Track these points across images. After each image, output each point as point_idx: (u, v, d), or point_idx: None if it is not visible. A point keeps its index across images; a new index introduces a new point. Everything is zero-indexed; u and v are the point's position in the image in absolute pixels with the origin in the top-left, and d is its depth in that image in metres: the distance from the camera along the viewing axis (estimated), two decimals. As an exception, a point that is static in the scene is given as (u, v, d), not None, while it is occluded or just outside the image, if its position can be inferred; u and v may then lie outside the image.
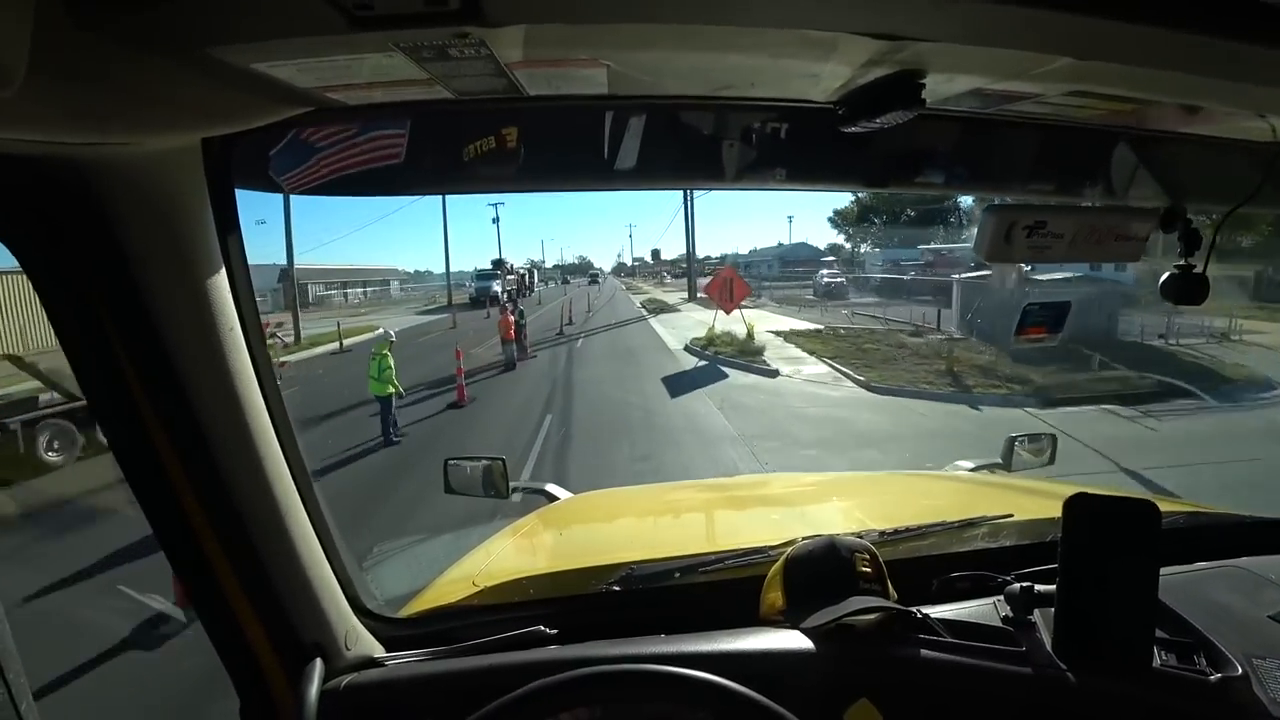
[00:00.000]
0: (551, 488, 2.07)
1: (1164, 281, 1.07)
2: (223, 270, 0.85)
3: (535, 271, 51.77)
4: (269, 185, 0.90)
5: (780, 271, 50.54)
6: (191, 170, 0.79)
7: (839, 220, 49.36)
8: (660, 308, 27.51)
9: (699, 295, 25.39)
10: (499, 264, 40.51)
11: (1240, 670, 0.92)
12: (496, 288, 34.09)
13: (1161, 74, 0.67)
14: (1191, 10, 0.54)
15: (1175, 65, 0.65)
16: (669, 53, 0.64)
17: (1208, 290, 1.05)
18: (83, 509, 5.75)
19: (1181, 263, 1.06)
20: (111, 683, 2.96)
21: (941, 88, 0.70)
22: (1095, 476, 5.80)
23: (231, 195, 0.85)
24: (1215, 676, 0.91)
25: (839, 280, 31.04)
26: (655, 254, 65.73)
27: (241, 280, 0.89)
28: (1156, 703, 0.90)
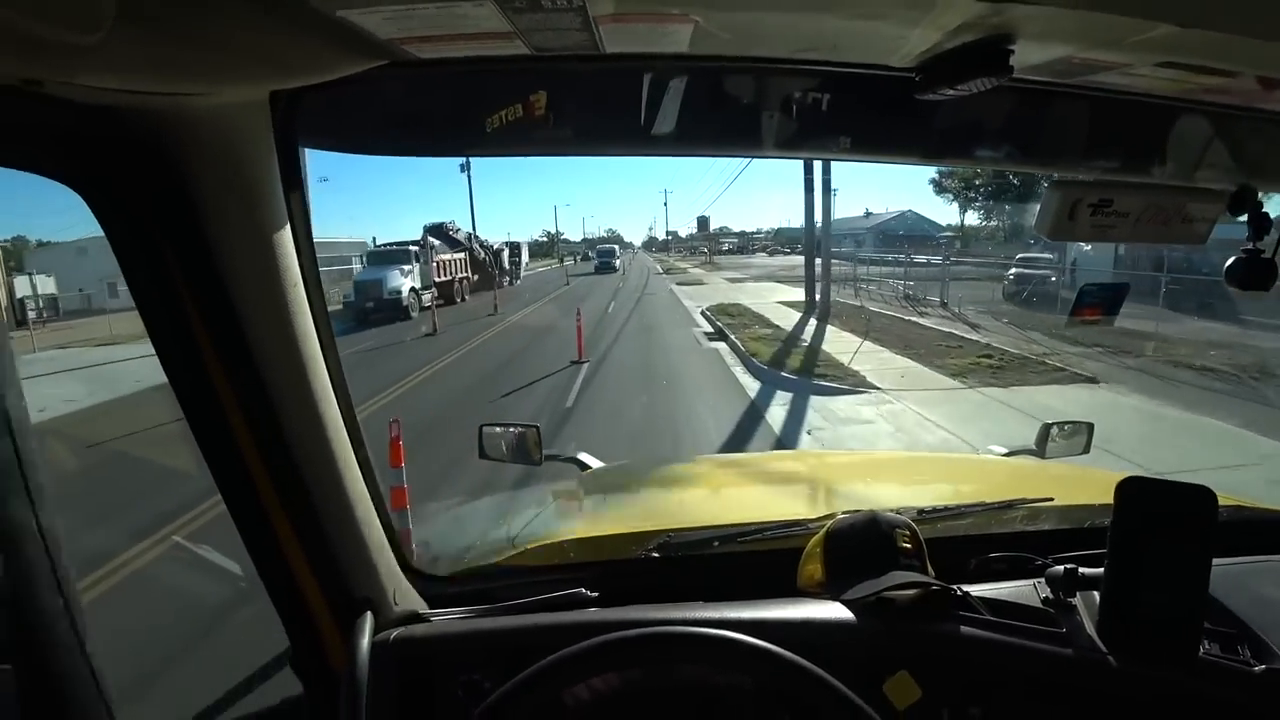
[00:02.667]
0: (584, 456, 2.09)
1: (1230, 265, 1.04)
2: (288, 226, 0.86)
3: (519, 248, 34.79)
4: (333, 144, 0.90)
5: (875, 250, 34.92)
6: (259, 124, 0.79)
7: (953, 186, 36.16)
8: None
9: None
10: (436, 233, 24.51)
11: None
12: (401, 283, 19.16)
13: (1261, 45, 0.64)
14: None
15: (1275, 34, 0.62)
16: (759, 10, 0.62)
17: (1275, 276, 1.02)
18: (148, 460, 5.83)
19: (1250, 246, 1.03)
20: (168, 630, 3.08)
21: (1030, 55, 0.68)
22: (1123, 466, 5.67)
23: (296, 151, 0.86)
24: (1260, 668, 0.91)
25: (1048, 277, 17.12)
26: (703, 222, 59.53)
27: (303, 237, 0.89)
28: (1200, 691, 0.90)
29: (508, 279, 30.17)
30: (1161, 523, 0.93)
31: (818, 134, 0.93)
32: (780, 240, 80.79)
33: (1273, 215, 1.03)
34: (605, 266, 44.36)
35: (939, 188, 39.34)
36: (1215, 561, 1.00)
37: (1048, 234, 0.99)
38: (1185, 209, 1.03)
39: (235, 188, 0.80)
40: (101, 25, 0.50)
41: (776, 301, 19.19)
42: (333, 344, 0.97)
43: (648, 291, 27.34)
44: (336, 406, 0.97)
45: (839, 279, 20.42)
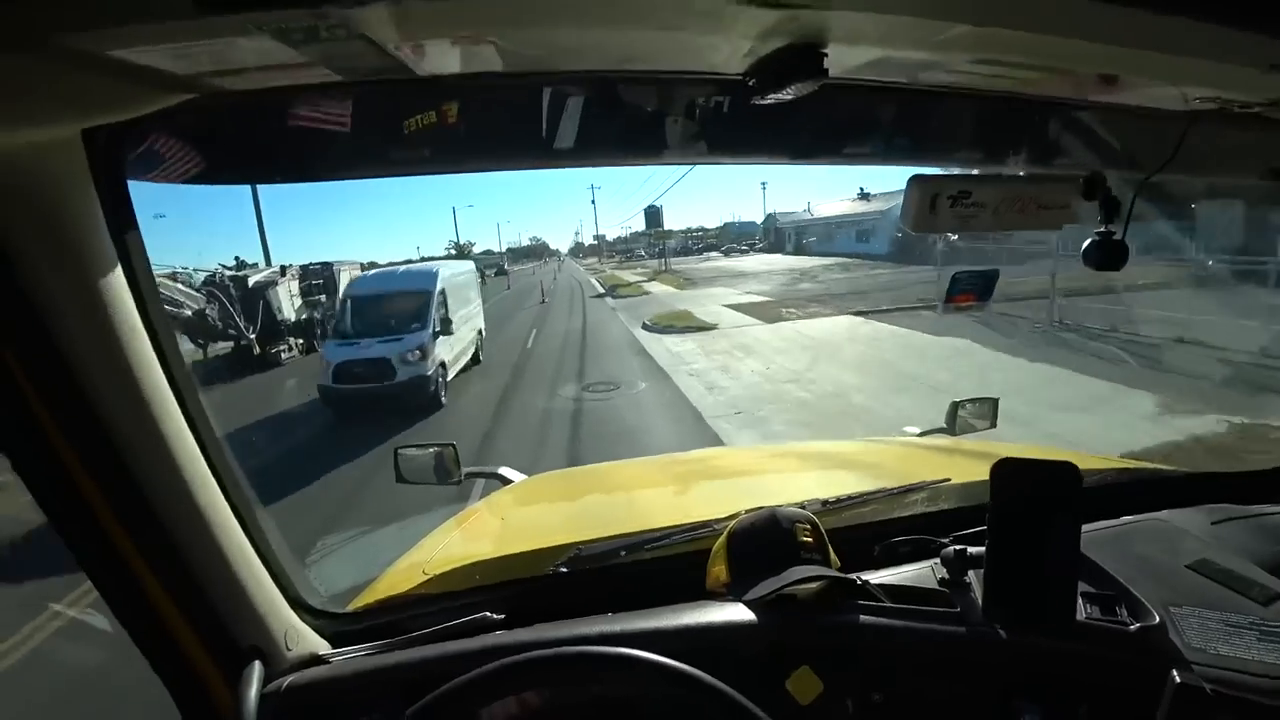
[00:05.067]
0: (505, 470, 2.06)
1: (1086, 248, 1.09)
2: (118, 269, 0.80)
3: (334, 277, 17.00)
4: (164, 176, 0.85)
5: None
6: (74, 163, 0.74)
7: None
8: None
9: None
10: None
11: (1158, 619, 0.96)
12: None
13: (1065, 42, 0.67)
14: None
15: (1077, 33, 0.65)
16: (554, 28, 0.61)
17: (1127, 256, 1.07)
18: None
19: (1102, 229, 1.08)
20: (42, 701, 2.81)
21: (845, 57, 0.69)
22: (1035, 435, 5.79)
23: (124, 189, 0.81)
24: (1135, 626, 0.96)
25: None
26: (654, 216, 42.89)
27: (143, 278, 0.84)
28: (1080, 654, 0.94)
29: (285, 346, 15.46)
30: (1032, 499, 0.97)
31: (677, 141, 0.93)
32: (729, 237, 75.07)
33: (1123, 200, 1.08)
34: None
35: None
36: (1094, 525, 1.04)
37: (911, 227, 1.02)
38: (1041, 197, 1.07)
39: (52, 232, 0.74)
40: None
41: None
42: (190, 383, 0.91)
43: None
44: (198, 451, 0.92)
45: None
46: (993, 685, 0.96)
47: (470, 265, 14.43)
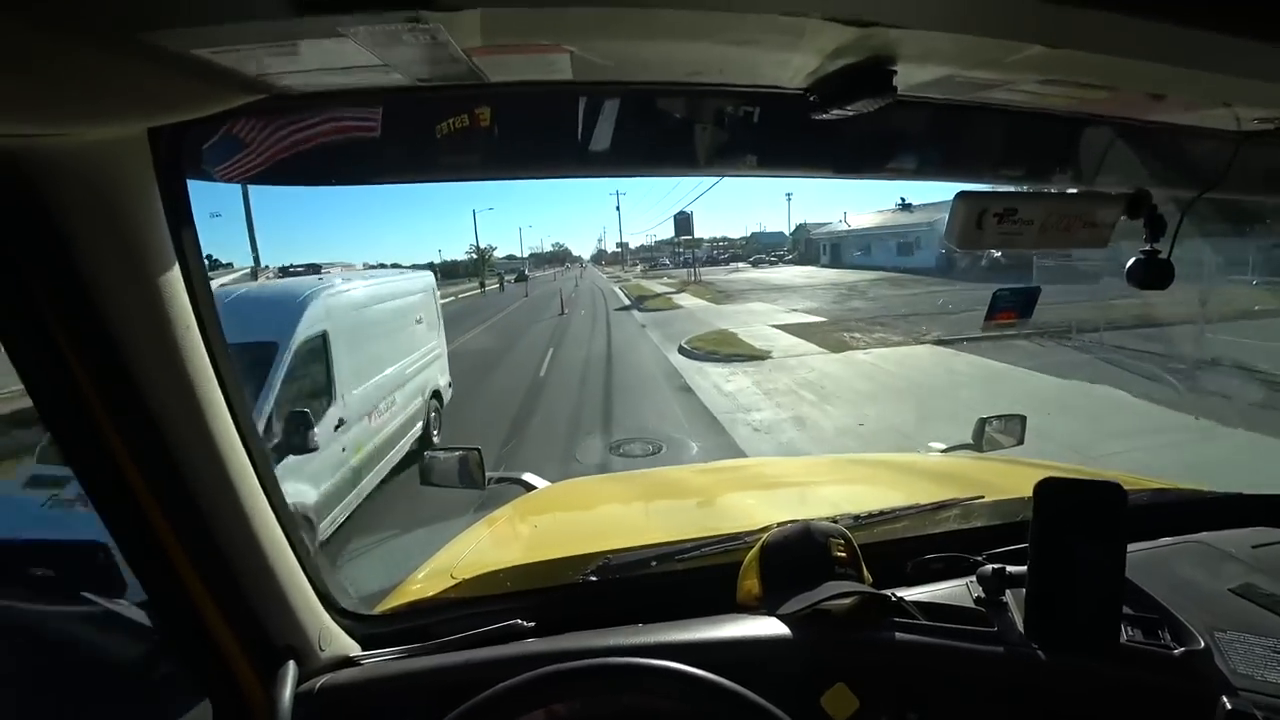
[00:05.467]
0: (529, 477, 2.06)
1: (1130, 267, 1.08)
2: (176, 266, 0.81)
3: None
4: (223, 176, 0.86)
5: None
6: (139, 161, 0.75)
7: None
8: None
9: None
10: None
11: (1202, 644, 0.95)
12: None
13: (1131, 63, 0.67)
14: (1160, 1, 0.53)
15: (1144, 54, 0.65)
16: (633, 40, 0.62)
17: (1172, 276, 1.07)
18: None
19: (1147, 248, 1.07)
20: (75, 691, 2.79)
21: (913, 75, 0.69)
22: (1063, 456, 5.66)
23: (183, 187, 0.81)
24: (1179, 650, 0.94)
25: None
26: (683, 223, 40.50)
27: (197, 276, 0.85)
28: (1123, 678, 0.93)
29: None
30: (1076, 519, 0.96)
31: (728, 152, 0.93)
32: (756, 247, 73.17)
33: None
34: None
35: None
36: (1134, 546, 1.03)
37: (957, 243, 1.01)
38: (1086, 215, 1.06)
39: (115, 227, 0.75)
40: None
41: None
42: (236, 383, 0.92)
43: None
44: (242, 450, 0.92)
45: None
46: (1034, 709, 0.95)
47: (425, 279, 8.54)
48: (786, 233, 73.69)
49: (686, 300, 25.48)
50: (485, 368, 11.74)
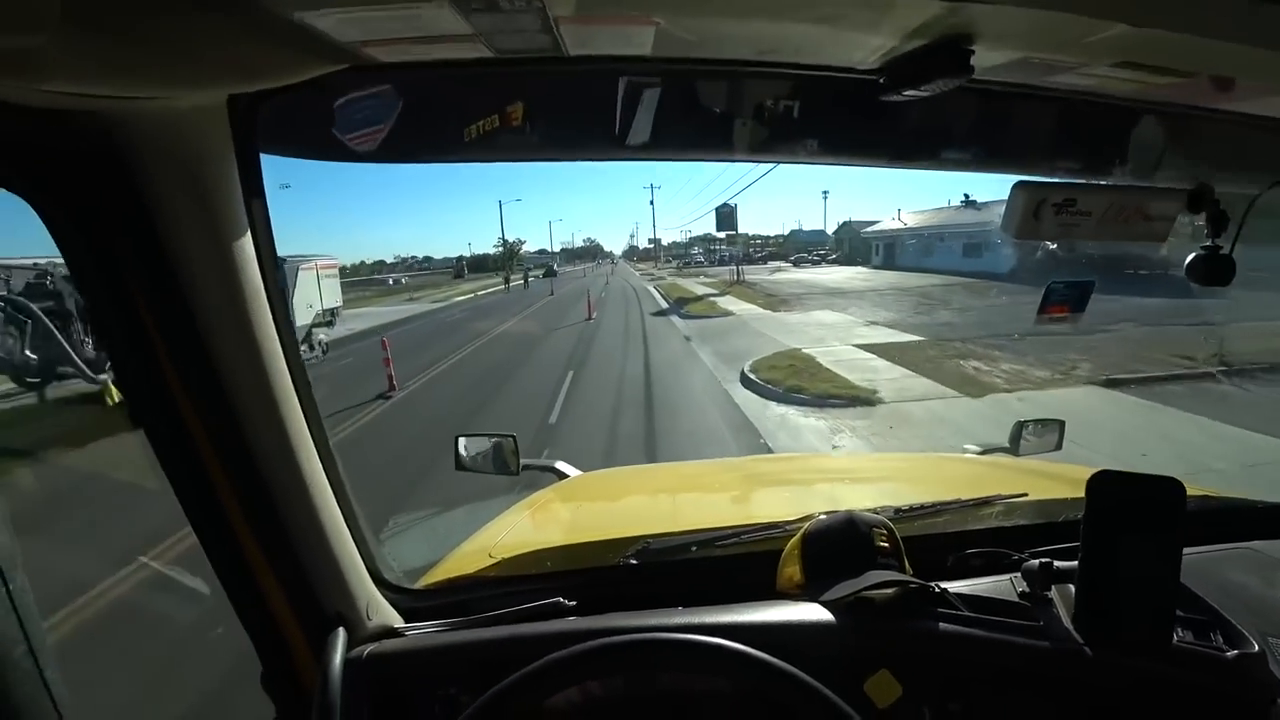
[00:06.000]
0: (561, 465, 2.08)
1: (1190, 262, 1.07)
2: (248, 234, 0.84)
3: None
4: (295, 150, 0.88)
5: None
6: (218, 129, 0.77)
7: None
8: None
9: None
10: None
11: (1257, 648, 0.93)
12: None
13: (1210, 44, 0.66)
14: None
15: (1224, 33, 0.64)
16: (719, 15, 0.62)
17: (1234, 272, 1.05)
18: (105, 479, 5.45)
19: (1209, 244, 1.05)
20: (133, 652, 2.93)
21: (989, 56, 0.69)
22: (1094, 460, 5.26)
23: (256, 157, 0.84)
24: (1232, 654, 0.92)
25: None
26: (726, 216, 36.92)
27: (265, 246, 0.87)
28: (1174, 679, 0.91)
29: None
30: (1132, 515, 0.94)
31: (786, 137, 0.93)
32: (794, 246, 69.40)
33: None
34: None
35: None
36: (1184, 551, 1.01)
37: (1014, 234, 1.00)
38: (1146, 207, 1.05)
39: (193, 195, 0.78)
40: (46, 26, 0.48)
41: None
42: (297, 356, 0.94)
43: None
44: (303, 419, 0.95)
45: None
46: (1078, 705, 0.94)
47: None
48: (827, 231, 70.01)
49: (734, 304, 21.37)
50: (473, 408, 8.83)
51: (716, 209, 38.54)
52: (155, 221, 0.76)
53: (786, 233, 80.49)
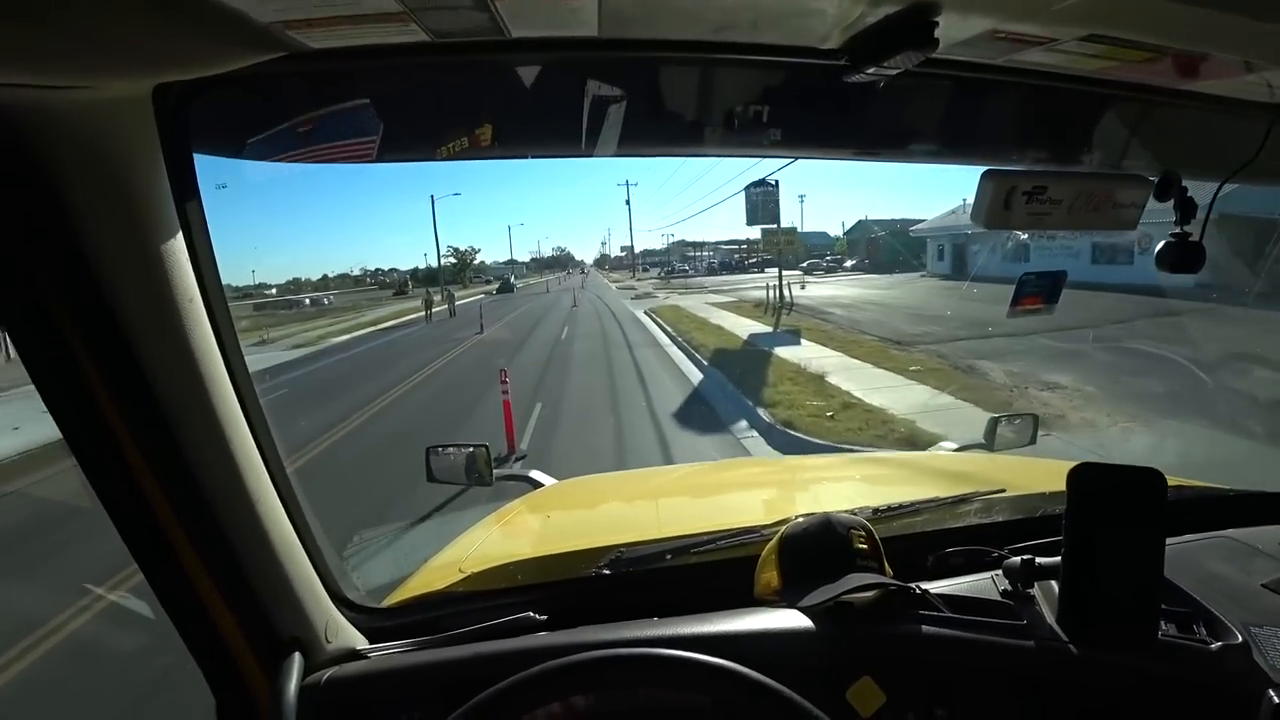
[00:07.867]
0: (536, 474, 2.03)
1: (1160, 250, 1.06)
2: (179, 235, 0.78)
3: None
4: (228, 149, 0.83)
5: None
6: (144, 123, 0.72)
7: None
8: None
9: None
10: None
11: (1240, 639, 0.91)
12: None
13: (1178, 10, 0.64)
14: None
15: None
16: None
17: (1204, 259, 1.04)
18: (35, 501, 5.24)
19: (1177, 230, 1.04)
20: (79, 685, 2.77)
21: (955, 28, 0.66)
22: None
23: (188, 154, 0.79)
24: (1216, 645, 0.91)
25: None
26: (761, 203, 22.80)
27: (202, 248, 0.82)
28: (1160, 673, 0.89)
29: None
30: (1113, 507, 0.92)
31: (747, 128, 0.90)
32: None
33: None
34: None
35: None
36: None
37: (984, 224, 0.99)
38: (1115, 195, 1.04)
39: (116, 194, 0.72)
40: None
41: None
42: (241, 362, 0.89)
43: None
44: (247, 430, 0.89)
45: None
46: (1066, 704, 0.91)
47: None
48: (831, 233, 63.48)
49: (818, 355, 11.17)
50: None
51: (746, 190, 24.56)
52: (73, 224, 0.71)
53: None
